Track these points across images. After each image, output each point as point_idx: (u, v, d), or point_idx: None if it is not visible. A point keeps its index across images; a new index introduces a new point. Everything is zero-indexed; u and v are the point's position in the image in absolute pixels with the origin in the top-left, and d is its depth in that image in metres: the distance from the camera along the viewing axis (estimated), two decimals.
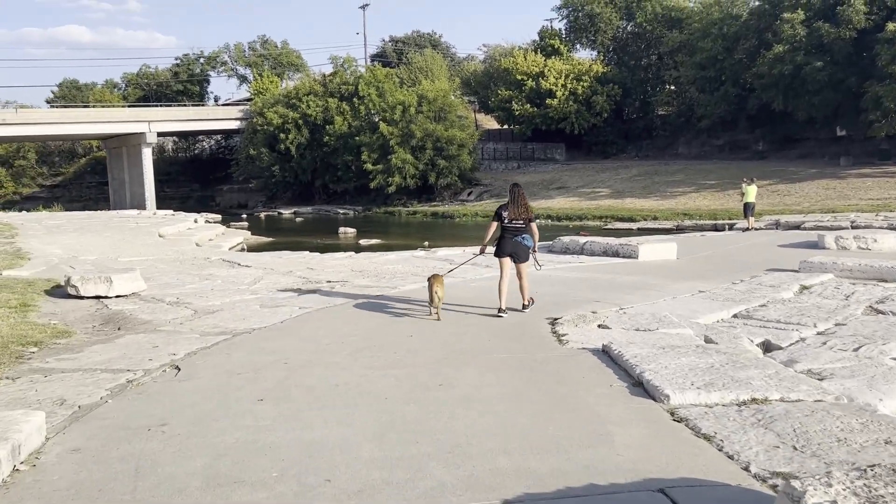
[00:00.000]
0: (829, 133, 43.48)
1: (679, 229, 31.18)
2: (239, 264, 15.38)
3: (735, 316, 8.99)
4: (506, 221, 8.47)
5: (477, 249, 9.61)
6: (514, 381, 5.17)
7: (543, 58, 56.11)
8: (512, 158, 58.05)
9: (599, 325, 7.49)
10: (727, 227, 28.45)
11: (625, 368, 5.24)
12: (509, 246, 8.44)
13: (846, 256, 12.68)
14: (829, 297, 10.01)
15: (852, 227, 25.84)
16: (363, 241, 28.28)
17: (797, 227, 27.36)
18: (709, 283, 11.29)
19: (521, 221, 8.45)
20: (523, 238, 8.46)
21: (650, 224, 33.25)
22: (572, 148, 56.32)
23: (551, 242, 17.42)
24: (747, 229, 22.55)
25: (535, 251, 8.81)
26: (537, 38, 62.36)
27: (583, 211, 38.15)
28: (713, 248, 16.79)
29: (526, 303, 8.57)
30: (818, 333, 7.95)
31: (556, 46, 58.34)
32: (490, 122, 65.92)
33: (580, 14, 58.10)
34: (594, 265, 13.72)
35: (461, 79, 64.68)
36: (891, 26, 31.57)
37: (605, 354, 5.81)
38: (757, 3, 46.00)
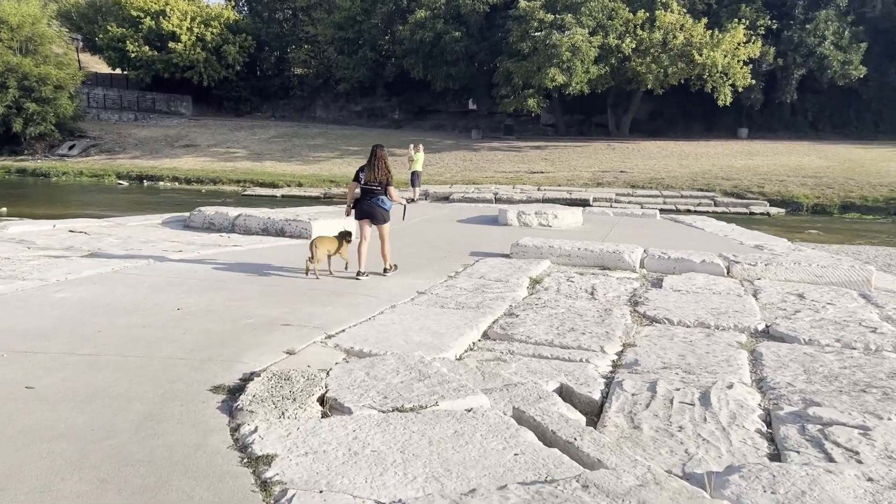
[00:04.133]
0: (460, 106, 45.11)
1: (327, 197, 28.65)
2: None
3: (487, 335, 6.16)
4: (362, 183, 8.10)
5: None
6: None
7: None
8: (128, 108, 49.54)
9: (322, 402, 3.83)
10: None
11: None
12: (366, 207, 8.13)
13: (557, 237, 10.90)
14: (573, 295, 7.81)
15: (496, 200, 26.00)
16: None
17: (446, 198, 26.76)
18: (421, 276, 8.40)
19: (378, 184, 8.05)
20: (379, 200, 8.07)
21: (295, 191, 30.04)
22: (201, 102, 50.16)
23: (188, 215, 12.99)
24: (412, 200, 20.62)
25: (403, 205, 8.82)
26: None
27: (217, 174, 33.23)
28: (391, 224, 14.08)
29: (387, 267, 8.30)
30: (616, 364, 5.50)
31: None
32: (99, 65, 55.67)
33: None
34: (256, 251, 9.87)
35: (59, 8, 53.22)
36: (522, 3, 32.81)
37: None
38: None
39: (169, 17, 46.09)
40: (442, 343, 5.59)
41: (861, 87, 36.59)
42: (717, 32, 32.83)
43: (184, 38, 45.75)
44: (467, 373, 4.82)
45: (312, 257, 7.83)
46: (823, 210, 24.75)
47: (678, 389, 4.83)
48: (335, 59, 46.78)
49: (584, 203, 25.10)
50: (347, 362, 4.55)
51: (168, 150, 39.34)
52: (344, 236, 8.32)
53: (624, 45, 32.99)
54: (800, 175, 27.61)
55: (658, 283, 8.56)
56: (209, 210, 12.60)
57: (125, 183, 33.09)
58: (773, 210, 24.70)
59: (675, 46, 32.90)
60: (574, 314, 6.89)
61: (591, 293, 7.94)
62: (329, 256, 8.08)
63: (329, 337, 5.56)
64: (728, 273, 9.16)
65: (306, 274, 7.86)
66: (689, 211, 24.64)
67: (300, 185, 31.21)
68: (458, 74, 37.81)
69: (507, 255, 10.15)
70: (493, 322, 6.51)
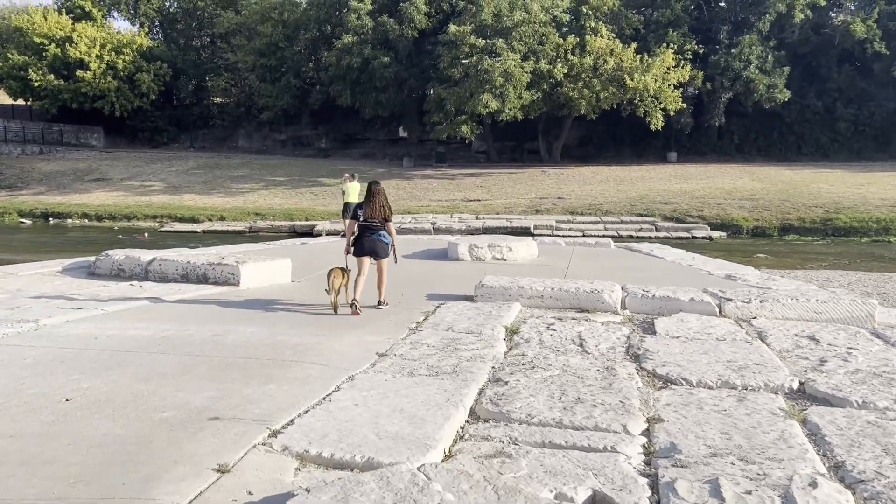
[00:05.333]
0: (390, 133, 44.02)
1: (253, 231, 26.92)
2: None
3: (475, 414, 4.89)
4: (361, 219, 8.10)
5: None
6: None
7: (72, 21, 45.78)
8: (32, 141, 46.24)
9: None
10: (313, 230, 25.03)
11: None
12: (367, 244, 8.13)
13: (519, 274, 9.71)
14: (560, 348, 6.63)
15: (434, 230, 24.87)
16: None
17: None
18: (377, 330, 7.09)
19: (377, 221, 8.09)
20: (381, 235, 8.13)
21: (218, 226, 28.13)
22: (113, 133, 47.37)
23: (94, 260, 11.23)
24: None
25: (393, 246, 8.37)
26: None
27: (131, 209, 30.90)
28: (328, 263, 12.64)
29: (382, 299, 8.28)
30: (649, 451, 4.30)
31: (87, 10, 48.25)
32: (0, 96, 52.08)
33: None
34: (174, 305, 8.29)
35: None
36: (452, 28, 32.07)
37: None
38: None
39: (76, 44, 43.37)
40: (425, 434, 4.28)
41: (784, 110, 37.44)
42: (646, 57, 32.92)
43: (93, 65, 43.08)
44: (474, 489, 3.50)
45: (335, 290, 7.85)
46: (763, 232, 24.66)
47: (749, 493, 3.65)
48: (257, 86, 45.00)
49: (525, 231, 24.30)
50: (308, 493, 3.15)
51: (77, 185, 36.63)
52: (346, 271, 8.11)
53: (556, 70, 32.66)
54: (736, 198, 27.60)
55: (649, 328, 7.48)
56: (118, 254, 10.89)
57: (28, 221, 30.42)
58: (715, 234, 24.46)
59: (606, 71, 32.78)
60: (572, 376, 5.68)
61: (580, 345, 6.77)
62: (344, 287, 8.01)
63: (274, 434, 4.15)
64: (720, 312, 8.18)
65: (335, 311, 7.85)
66: (630, 237, 24.13)
67: (223, 218, 29.29)
68: (387, 101, 36.69)
69: (470, 298, 8.92)
70: (479, 393, 5.24)
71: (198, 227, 27.60)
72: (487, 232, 24.35)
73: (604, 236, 23.37)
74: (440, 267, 12.26)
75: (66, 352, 5.86)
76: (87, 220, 30.28)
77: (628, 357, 6.39)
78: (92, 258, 11.59)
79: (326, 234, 22.47)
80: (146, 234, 24.90)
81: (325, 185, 34.37)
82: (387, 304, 8.29)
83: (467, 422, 4.78)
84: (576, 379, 5.62)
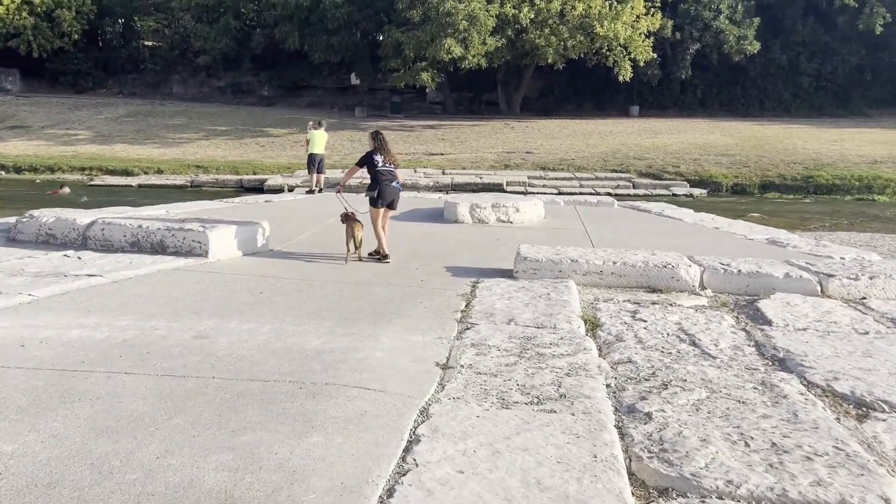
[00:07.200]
0: (339, 81, 41.31)
1: (195, 186, 24.33)
2: None
3: (639, 480, 3.18)
4: (380, 165, 7.72)
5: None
6: None
7: None
8: None
9: None
10: (263, 184, 22.64)
11: None
12: (389, 193, 7.81)
13: (578, 248, 7.97)
14: (671, 350, 5.02)
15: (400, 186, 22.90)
16: None
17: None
18: (414, 323, 5.29)
19: (394, 166, 7.92)
20: (397, 184, 7.94)
21: (155, 179, 25.32)
22: (31, 76, 42.98)
23: (14, 222, 8.94)
24: (311, 191, 17.01)
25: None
26: None
27: (55, 160, 27.65)
28: (304, 226, 10.65)
29: (386, 252, 7.73)
30: None
31: None
32: None
33: None
34: (130, 286, 6.23)
35: None
36: None
37: None
38: None
39: None
40: None
41: (749, 64, 36.43)
42: (616, 4, 31.14)
43: (6, 1, 38.58)
44: None
45: (356, 243, 7.63)
46: (743, 190, 23.59)
47: None
48: (192, 27, 41.32)
49: (498, 188, 22.60)
50: None
51: None
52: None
53: (521, 15, 30.56)
54: (711, 153, 26.44)
55: (757, 315, 5.88)
56: (46, 215, 8.63)
57: None
58: (695, 191, 23.23)
59: (574, 17, 30.90)
60: (730, 400, 4.02)
61: (693, 343, 5.13)
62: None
63: None
64: (822, 291, 6.66)
65: (346, 262, 7.57)
66: (609, 194, 22.61)
67: (160, 171, 26.45)
68: (339, 45, 33.89)
69: (506, 273, 7.15)
70: (621, 435, 3.52)
71: (132, 181, 24.77)
72: (456, 189, 22.60)
73: (580, 193, 21.90)
74: (440, 230, 10.41)
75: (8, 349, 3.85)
76: (3, 173, 26.96)
77: (769, 361, 4.78)
78: (11, 220, 9.30)
79: (288, 190, 20.11)
80: (66, 189, 21.80)
81: (271, 136, 31.74)
82: (389, 260, 7.74)
83: (631, 493, 3.06)
84: (738, 405, 3.95)
